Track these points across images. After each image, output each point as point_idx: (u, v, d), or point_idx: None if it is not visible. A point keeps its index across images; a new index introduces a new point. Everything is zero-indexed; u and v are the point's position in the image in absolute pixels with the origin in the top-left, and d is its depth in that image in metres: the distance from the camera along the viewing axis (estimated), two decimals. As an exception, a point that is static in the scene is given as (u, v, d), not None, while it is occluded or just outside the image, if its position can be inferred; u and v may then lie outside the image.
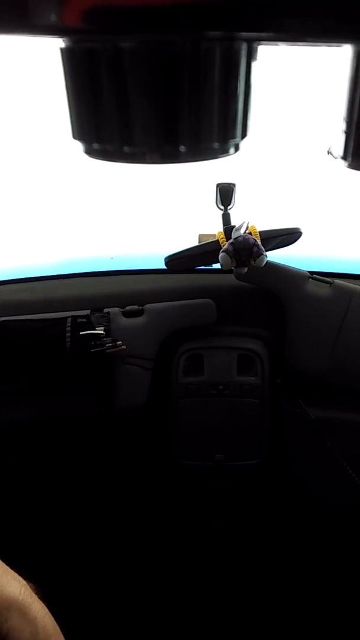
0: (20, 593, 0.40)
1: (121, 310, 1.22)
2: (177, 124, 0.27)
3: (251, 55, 0.28)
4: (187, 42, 0.25)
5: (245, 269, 1.11)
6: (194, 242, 1.24)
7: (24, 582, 0.43)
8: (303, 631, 1.34)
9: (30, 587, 0.43)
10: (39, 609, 0.41)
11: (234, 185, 1.17)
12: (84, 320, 1.17)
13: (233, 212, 1.18)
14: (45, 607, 0.43)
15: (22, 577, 0.43)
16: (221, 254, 1.09)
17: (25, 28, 0.25)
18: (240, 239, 1.08)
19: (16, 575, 0.43)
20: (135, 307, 1.22)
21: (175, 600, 1.40)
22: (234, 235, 1.10)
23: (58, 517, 1.39)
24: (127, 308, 1.22)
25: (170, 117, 0.27)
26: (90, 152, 0.30)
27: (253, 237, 1.09)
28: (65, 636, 0.44)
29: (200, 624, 1.36)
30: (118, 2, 0.24)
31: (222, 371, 1.25)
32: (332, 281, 1.21)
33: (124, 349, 1.17)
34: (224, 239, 1.13)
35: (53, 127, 1.20)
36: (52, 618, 0.43)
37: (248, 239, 1.08)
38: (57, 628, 0.43)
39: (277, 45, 0.28)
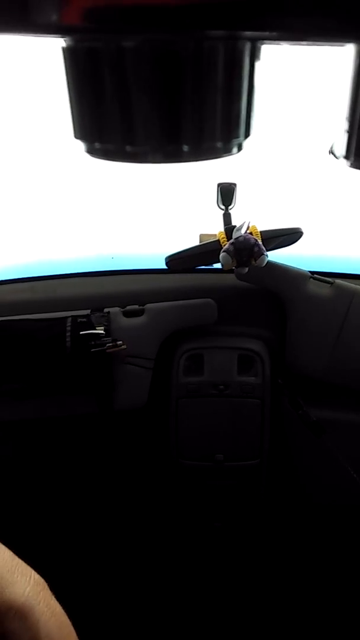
0: (23, 594, 0.38)
1: (121, 310, 1.21)
2: (180, 123, 0.27)
3: (254, 55, 0.28)
4: (190, 41, 0.25)
5: (246, 269, 1.11)
6: (195, 242, 1.24)
7: (37, 578, 0.40)
8: (303, 631, 1.34)
9: None
10: (43, 612, 0.38)
11: (235, 185, 1.17)
12: (84, 320, 1.17)
13: (234, 211, 1.18)
14: (55, 608, 0.39)
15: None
16: (222, 254, 1.09)
17: (26, 27, 0.25)
18: (241, 238, 1.08)
19: (27, 571, 0.40)
20: (136, 306, 1.22)
21: (174, 600, 1.40)
22: (234, 235, 1.10)
23: (58, 516, 1.39)
24: (128, 308, 1.22)
25: (173, 116, 0.27)
26: (92, 151, 0.30)
27: (254, 237, 1.09)
28: None
29: (200, 624, 1.36)
30: (120, 1, 0.23)
31: (222, 371, 1.25)
32: (332, 281, 1.20)
33: (124, 349, 1.17)
34: (225, 239, 1.13)
35: (54, 126, 1.19)
36: (60, 621, 0.40)
37: (249, 239, 1.08)
38: (66, 630, 0.40)
39: (280, 44, 0.28)
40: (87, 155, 0.31)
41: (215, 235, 1.17)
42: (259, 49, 0.29)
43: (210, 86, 0.27)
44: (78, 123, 0.30)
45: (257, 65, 0.29)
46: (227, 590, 1.42)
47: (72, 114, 0.30)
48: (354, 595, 1.36)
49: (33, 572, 0.41)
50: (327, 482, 1.33)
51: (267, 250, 1.10)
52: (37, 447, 1.34)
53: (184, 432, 1.29)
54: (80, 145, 0.31)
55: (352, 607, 1.35)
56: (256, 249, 1.08)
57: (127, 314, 1.21)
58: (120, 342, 1.16)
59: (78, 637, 0.43)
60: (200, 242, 1.25)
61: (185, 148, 0.28)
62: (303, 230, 1.22)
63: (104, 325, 1.17)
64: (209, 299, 1.23)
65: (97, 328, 1.16)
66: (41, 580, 0.41)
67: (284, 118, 1.26)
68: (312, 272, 1.23)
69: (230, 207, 1.17)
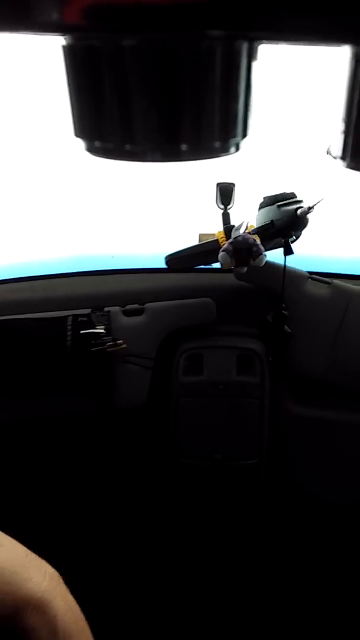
0: (40, 589, 0.38)
1: (121, 309, 1.22)
2: (179, 122, 0.27)
3: (252, 55, 0.29)
4: (188, 40, 0.25)
5: (245, 269, 1.11)
6: (194, 242, 1.24)
7: (52, 573, 0.40)
8: (303, 631, 1.34)
9: None
10: (60, 606, 0.39)
11: (233, 184, 1.17)
12: (85, 319, 1.17)
13: (233, 211, 1.18)
14: (70, 602, 0.40)
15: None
16: (221, 254, 1.09)
17: (26, 25, 0.25)
18: (240, 238, 1.09)
19: (42, 566, 0.40)
20: (136, 306, 1.22)
21: (174, 599, 1.40)
22: (233, 234, 1.11)
23: (58, 516, 1.39)
24: (128, 307, 1.22)
25: (171, 115, 0.27)
26: (91, 149, 0.30)
27: (252, 236, 1.10)
28: None
29: (199, 624, 1.36)
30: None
31: (221, 371, 1.25)
32: (331, 282, 1.21)
33: (125, 348, 1.17)
34: (224, 239, 1.13)
35: (55, 124, 1.20)
36: (76, 614, 0.40)
37: (247, 239, 1.08)
38: (81, 623, 0.41)
39: (277, 44, 0.28)
40: (87, 154, 0.31)
41: (214, 234, 1.17)
42: (257, 48, 0.29)
43: (209, 85, 0.27)
44: (78, 121, 0.30)
45: (255, 64, 0.29)
46: (227, 590, 1.42)
47: (72, 112, 0.30)
48: (354, 594, 1.37)
49: (48, 566, 0.41)
50: (325, 482, 1.34)
51: (266, 250, 1.10)
52: (36, 446, 1.34)
53: (183, 432, 1.29)
54: (80, 144, 0.31)
55: (351, 607, 1.35)
56: (255, 248, 1.08)
57: (127, 313, 1.22)
58: (121, 341, 1.17)
59: None
60: (199, 241, 1.25)
61: (184, 147, 0.28)
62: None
63: (104, 324, 1.18)
64: (208, 299, 1.23)
65: (97, 327, 1.17)
66: (56, 574, 0.41)
67: (283, 118, 1.27)
68: (311, 273, 1.23)
69: (229, 206, 1.18)
